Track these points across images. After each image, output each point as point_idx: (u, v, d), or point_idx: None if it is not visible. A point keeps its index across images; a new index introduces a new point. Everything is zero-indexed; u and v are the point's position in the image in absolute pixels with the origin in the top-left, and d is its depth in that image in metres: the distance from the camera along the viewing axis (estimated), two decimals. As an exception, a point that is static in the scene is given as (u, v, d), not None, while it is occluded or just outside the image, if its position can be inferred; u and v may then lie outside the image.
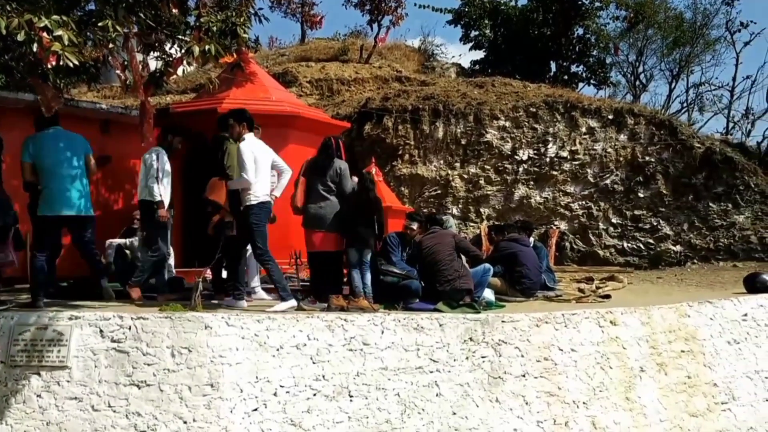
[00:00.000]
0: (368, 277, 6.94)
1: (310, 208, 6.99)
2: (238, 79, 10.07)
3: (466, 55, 42.71)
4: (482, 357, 6.41)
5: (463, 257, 7.77)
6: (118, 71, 6.61)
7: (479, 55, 22.06)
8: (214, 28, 5.87)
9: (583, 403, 6.61)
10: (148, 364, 5.64)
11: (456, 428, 6.10)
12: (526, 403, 6.40)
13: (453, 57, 23.33)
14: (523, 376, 6.49)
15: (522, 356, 6.55)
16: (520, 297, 8.26)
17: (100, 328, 5.75)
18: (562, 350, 6.71)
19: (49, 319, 5.83)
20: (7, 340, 5.77)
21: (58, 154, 6.63)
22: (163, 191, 6.97)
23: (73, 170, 6.65)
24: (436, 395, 6.16)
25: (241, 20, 6.24)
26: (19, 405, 5.61)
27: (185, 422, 5.52)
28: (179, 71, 7.24)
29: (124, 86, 6.90)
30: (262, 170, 6.66)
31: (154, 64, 7.23)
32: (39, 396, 5.62)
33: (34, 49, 4.84)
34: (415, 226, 7.72)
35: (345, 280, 7.33)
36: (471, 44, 21.62)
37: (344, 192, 7.02)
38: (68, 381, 5.62)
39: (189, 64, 6.60)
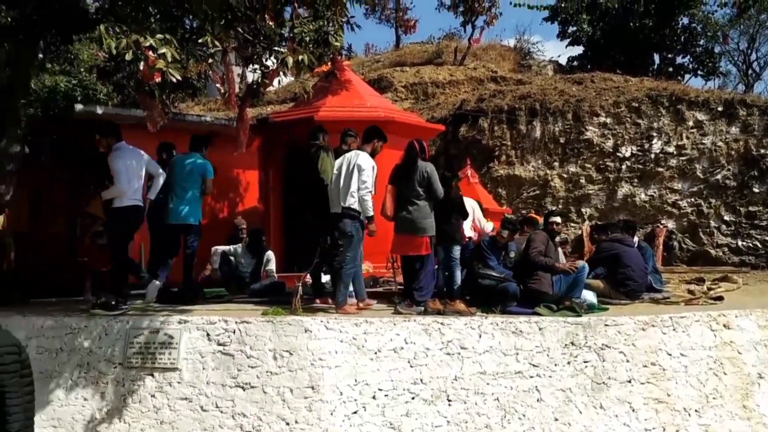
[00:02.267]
0: (458, 274, 6.96)
1: (401, 215, 6.99)
2: (334, 87, 10.26)
3: (564, 52, 41.75)
4: (585, 362, 6.22)
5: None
6: (217, 84, 6.89)
7: (577, 51, 21.55)
8: (307, 39, 6.01)
9: (695, 410, 6.27)
10: (252, 367, 5.82)
11: (558, 435, 5.95)
12: (633, 410, 6.15)
13: (550, 55, 22.91)
14: (629, 381, 6.24)
15: (627, 361, 6.30)
16: (625, 299, 7.95)
17: (206, 331, 5.99)
18: (670, 355, 6.41)
19: (161, 323, 6.14)
20: (124, 343, 6.12)
21: (178, 175, 7.53)
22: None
23: (188, 189, 7.48)
24: (537, 400, 6.03)
25: (334, 29, 6.35)
26: (136, 404, 5.93)
27: (287, 423, 5.66)
28: (275, 82, 7.42)
29: (222, 98, 7.17)
30: (134, 177, 6.88)
31: (251, 77, 7.47)
32: (153, 396, 5.92)
33: (141, 67, 5.13)
34: (505, 234, 7.61)
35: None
36: (568, 40, 21.12)
37: (434, 194, 6.94)
38: (179, 382, 5.89)
39: (284, 74, 6.77)
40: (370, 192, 6.76)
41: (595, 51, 20.45)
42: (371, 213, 6.77)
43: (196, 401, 5.81)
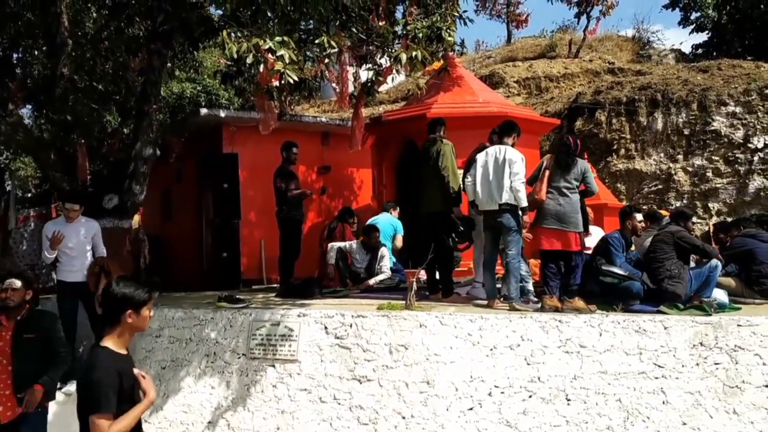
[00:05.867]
0: (577, 272, 6.75)
1: (549, 205, 6.66)
2: (446, 83, 10.25)
3: (687, 40, 39.62)
4: (715, 363, 5.85)
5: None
6: (333, 84, 7.05)
7: (701, 38, 20.39)
8: (420, 35, 6.04)
9: (843, 419, 5.77)
10: (368, 360, 5.92)
11: (687, 439, 5.65)
12: (771, 417, 5.73)
13: (672, 44, 21.85)
14: (766, 386, 5.82)
15: (764, 364, 5.87)
16: (759, 299, 7.43)
17: (324, 325, 6.14)
18: (813, 359, 5.92)
19: (281, 317, 6.35)
20: (247, 335, 6.39)
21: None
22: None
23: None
24: (663, 402, 5.74)
25: (447, 24, 6.34)
26: (258, 394, 6.18)
27: (403, 417, 5.71)
28: (389, 80, 7.50)
29: (337, 97, 7.34)
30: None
31: (365, 76, 7.60)
32: (274, 386, 6.15)
33: (260, 70, 5.33)
34: (634, 223, 7.26)
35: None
36: (692, 27, 20.02)
37: (590, 190, 6.80)
38: (299, 374, 6.08)
39: (398, 72, 6.84)
40: (523, 183, 6.66)
41: (722, 37, 19.26)
42: (525, 204, 6.64)
43: (315, 392, 5.97)
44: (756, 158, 12.98)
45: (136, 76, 9.42)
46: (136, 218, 9.63)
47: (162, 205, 12.99)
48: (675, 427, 5.66)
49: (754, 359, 5.87)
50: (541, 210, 6.71)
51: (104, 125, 10.42)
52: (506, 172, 6.64)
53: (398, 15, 7.51)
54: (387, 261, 8.58)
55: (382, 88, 8.28)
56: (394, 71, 6.82)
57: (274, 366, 6.20)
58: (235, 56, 5.44)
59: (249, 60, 5.39)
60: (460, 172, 7.40)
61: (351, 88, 7.30)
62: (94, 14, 10.25)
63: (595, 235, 7.87)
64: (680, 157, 13.46)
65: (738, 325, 5.97)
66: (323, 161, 11.53)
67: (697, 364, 5.84)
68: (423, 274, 7.65)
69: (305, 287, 7.78)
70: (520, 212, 6.66)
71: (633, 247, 7.45)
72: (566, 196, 6.66)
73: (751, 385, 5.80)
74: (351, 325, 6.07)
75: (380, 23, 6.67)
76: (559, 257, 6.71)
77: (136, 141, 8.40)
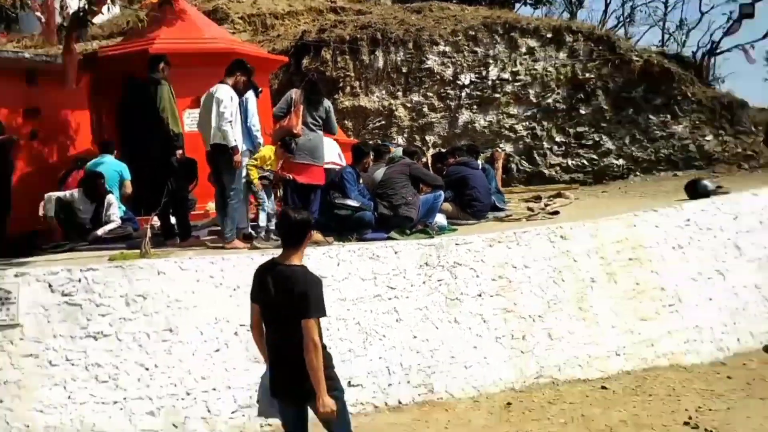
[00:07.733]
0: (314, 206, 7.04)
1: (300, 140, 6.93)
2: (168, 17, 9.64)
3: (401, -18, 41.95)
4: (439, 280, 6.50)
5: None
6: (38, 13, 6.23)
7: (414, -20, 21.61)
8: (137, -39, 5.56)
9: (539, 316, 6.80)
10: (103, 315, 5.54)
11: (417, 350, 6.23)
12: (484, 321, 6.55)
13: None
14: (480, 295, 6.62)
15: (477, 276, 6.66)
16: (472, 220, 8.35)
17: (48, 283, 5.59)
18: (515, 267, 6.85)
19: (-6, 279, 5.64)
20: (-48, 303, 5.58)
21: None
22: (237, 135, 6.70)
23: None
24: (396, 321, 6.25)
25: (165, -49, 5.91)
26: (-28, 367, 5.47)
27: (147, 369, 5.50)
28: (104, 10, 6.84)
29: (44, 30, 6.52)
30: None
31: (76, 5, 6.83)
32: (-7, 356, 5.48)
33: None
34: (368, 160, 7.84)
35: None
36: (404, -31, 21.13)
37: (331, 129, 7.26)
38: (21, 339, 5.48)
39: (113, 2, 6.24)
40: (229, 122, 6.57)
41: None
42: (233, 143, 6.60)
43: (43, 356, 5.46)
44: (464, 94, 14.34)
45: None
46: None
47: None
48: (407, 341, 6.21)
49: (469, 273, 6.63)
50: (290, 143, 6.93)
51: None
52: (213, 111, 6.58)
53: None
54: (115, 209, 7.98)
55: (96, 20, 7.49)
56: (108, 1, 6.21)
57: (-10, 334, 5.51)
58: None
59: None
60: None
61: (59, 19, 6.51)
62: None
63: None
64: (400, 93, 14.36)
65: (456, 245, 6.67)
66: (30, 103, 10.24)
67: (424, 283, 6.42)
68: (157, 221, 7.30)
69: (23, 244, 6.98)
70: (231, 152, 6.63)
71: (361, 180, 7.87)
72: (314, 132, 7.00)
73: (468, 296, 6.55)
74: (80, 280, 5.60)
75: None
76: (307, 191, 6.96)
77: None
